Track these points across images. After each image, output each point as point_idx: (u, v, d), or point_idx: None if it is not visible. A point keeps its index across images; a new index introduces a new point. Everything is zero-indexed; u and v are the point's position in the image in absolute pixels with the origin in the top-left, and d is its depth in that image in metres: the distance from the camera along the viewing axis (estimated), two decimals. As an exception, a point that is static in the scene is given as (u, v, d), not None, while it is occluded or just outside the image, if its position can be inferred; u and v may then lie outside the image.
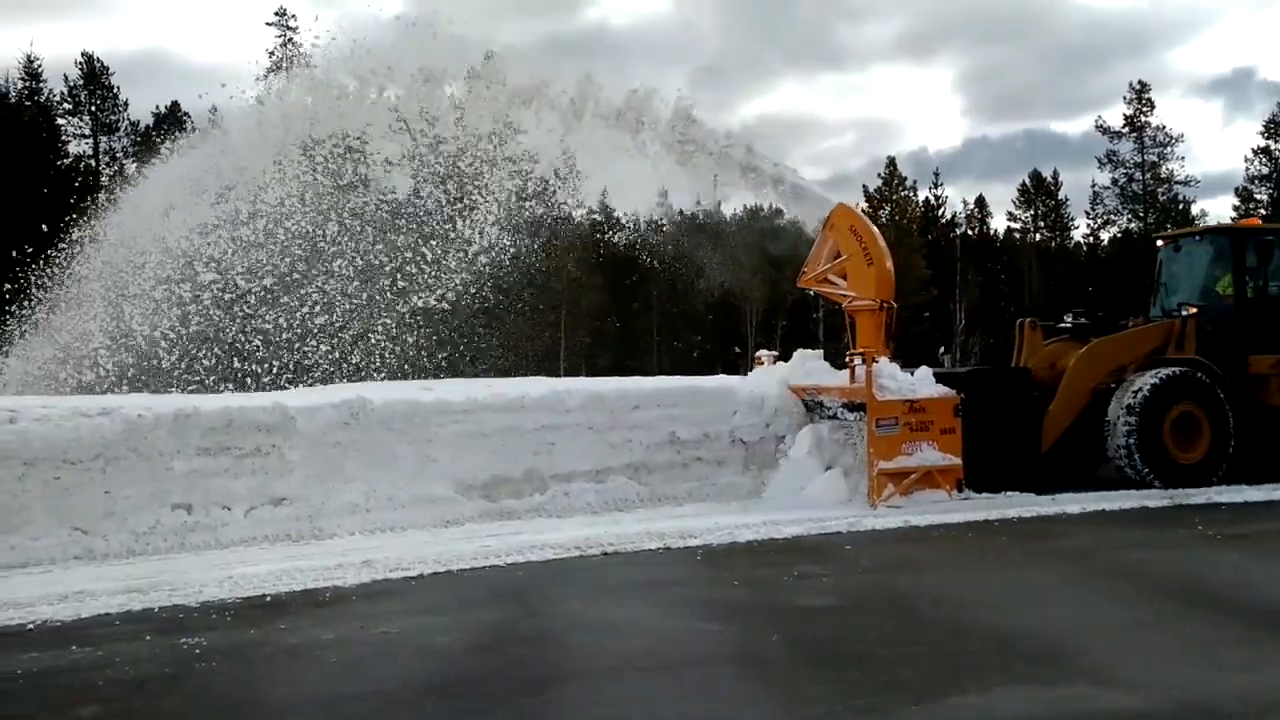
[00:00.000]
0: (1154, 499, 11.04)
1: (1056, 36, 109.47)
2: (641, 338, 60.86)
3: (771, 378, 12.36)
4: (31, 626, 6.39)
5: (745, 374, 13.29)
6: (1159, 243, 15.20)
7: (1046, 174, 75.63)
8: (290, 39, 57.16)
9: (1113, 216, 71.33)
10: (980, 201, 77.18)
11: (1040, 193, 75.14)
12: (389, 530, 9.69)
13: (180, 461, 9.22)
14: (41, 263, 13.08)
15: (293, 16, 57.76)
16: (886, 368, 11.12)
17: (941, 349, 16.10)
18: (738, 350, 54.63)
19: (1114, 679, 5.02)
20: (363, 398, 10.28)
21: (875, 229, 12.37)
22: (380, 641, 5.99)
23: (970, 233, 74.34)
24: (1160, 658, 5.46)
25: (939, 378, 11.31)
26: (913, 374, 11.29)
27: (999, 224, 78.97)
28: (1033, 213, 75.33)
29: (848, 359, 11.56)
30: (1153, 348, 12.71)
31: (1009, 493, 10.97)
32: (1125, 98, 69.95)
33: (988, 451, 11.06)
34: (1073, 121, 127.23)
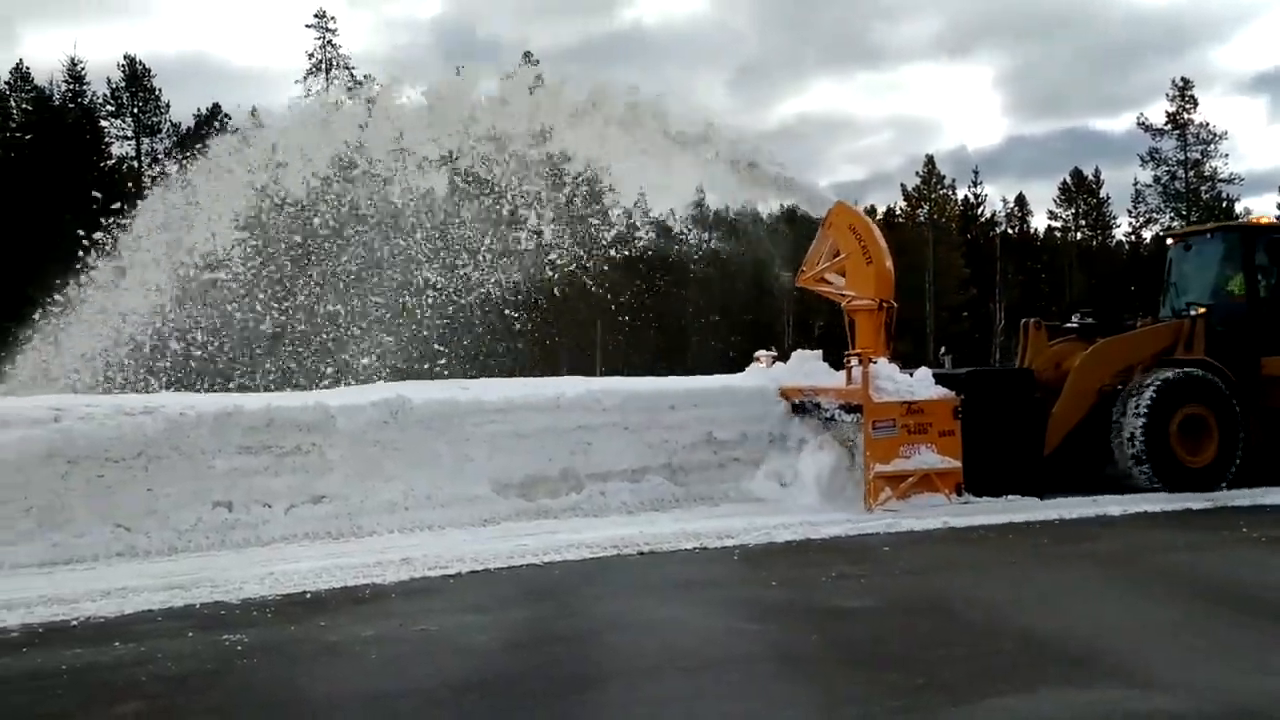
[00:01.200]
0: (1197, 501, 10.88)
1: (1096, 33, 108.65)
2: (677, 338, 60.79)
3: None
4: (75, 623, 6.48)
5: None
6: (1169, 241, 14.84)
7: (1088, 172, 75.11)
8: (329, 41, 57.77)
9: (1155, 215, 70.55)
10: (1020, 200, 76.86)
11: (1081, 191, 74.53)
12: (427, 528, 9.74)
13: (222, 460, 9.33)
14: (82, 264, 13.25)
15: (332, 19, 58.39)
16: (885, 369, 10.92)
17: (942, 349, 15.84)
18: (773, 349, 54.42)
19: (1152, 681, 4.97)
20: (402, 397, 10.34)
21: (875, 227, 12.18)
22: (419, 639, 6.02)
23: (1010, 231, 73.89)
24: (1199, 660, 5.38)
25: (939, 379, 11.08)
26: (911, 375, 11.08)
27: (1040, 223, 78.55)
28: (1074, 211, 74.73)
29: (845, 359, 11.36)
30: (1161, 348, 12.42)
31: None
32: (1168, 95, 69.10)
33: (988, 454, 10.83)
34: (1114, 119, 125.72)
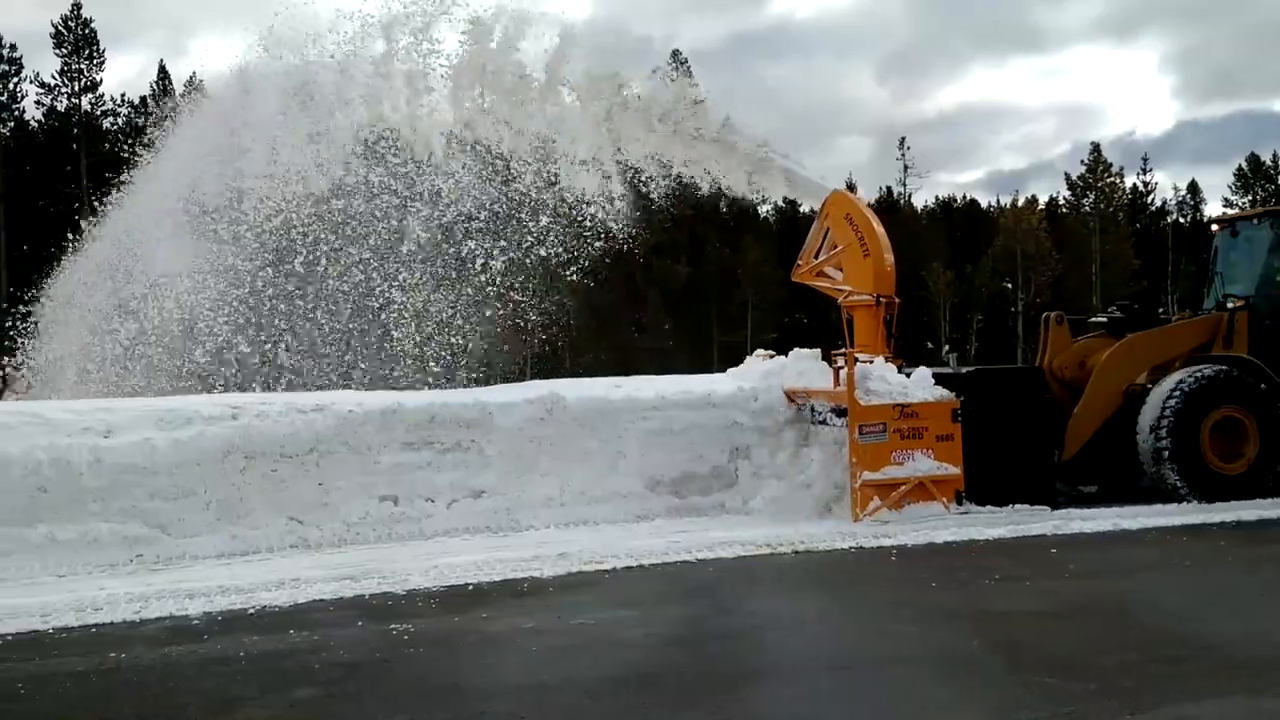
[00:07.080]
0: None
1: (1268, 10, 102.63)
2: (828, 333, 60.24)
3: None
4: (252, 611, 6.78)
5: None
6: (1213, 227, 13.43)
7: (1265, 156, 71.05)
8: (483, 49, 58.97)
9: (1341, 200, 66.39)
10: (1193, 187, 73.23)
11: (1259, 177, 70.57)
12: (582, 524, 9.87)
13: (387, 455, 9.63)
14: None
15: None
16: (877, 369, 10.24)
17: (946, 348, 14.29)
18: (930, 346, 53.29)
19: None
20: (556, 394, 10.50)
21: (874, 218, 11.48)
22: (577, 632, 6.12)
23: (1182, 221, 70.60)
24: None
25: (939, 379, 10.35)
26: (909, 375, 10.40)
27: (1214, 210, 74.74)
28: (1251, 198, 70.84)
29: (831, 358, 10.78)
30: (1197, 344, 11.32)
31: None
32: (1354, 71, 64.83)
33: (993, 460, 10.05)
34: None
